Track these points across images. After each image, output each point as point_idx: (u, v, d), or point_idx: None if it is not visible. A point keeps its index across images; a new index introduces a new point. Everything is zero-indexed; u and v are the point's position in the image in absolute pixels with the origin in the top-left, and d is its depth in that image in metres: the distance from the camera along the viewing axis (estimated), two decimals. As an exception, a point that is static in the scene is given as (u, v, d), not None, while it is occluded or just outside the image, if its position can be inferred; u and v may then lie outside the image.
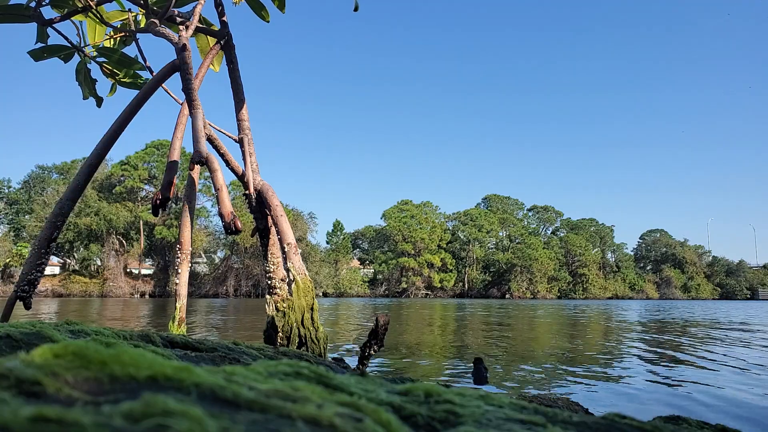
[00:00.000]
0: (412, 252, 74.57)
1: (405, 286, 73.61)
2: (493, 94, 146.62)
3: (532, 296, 73.44)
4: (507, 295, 73.28)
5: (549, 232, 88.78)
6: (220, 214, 2.37)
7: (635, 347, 7.18)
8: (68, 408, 0.42)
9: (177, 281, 3.70)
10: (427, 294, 74.04)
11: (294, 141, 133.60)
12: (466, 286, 76.84)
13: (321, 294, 64.96)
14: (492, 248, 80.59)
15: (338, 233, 77.89)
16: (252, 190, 3.60)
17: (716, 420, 1.32)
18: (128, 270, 59.84)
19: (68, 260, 59.48)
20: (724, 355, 6.31)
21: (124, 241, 58.32)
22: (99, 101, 4.00)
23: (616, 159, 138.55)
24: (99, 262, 57.89)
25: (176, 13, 3.37)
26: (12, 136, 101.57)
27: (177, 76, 3.12)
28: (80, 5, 3.34)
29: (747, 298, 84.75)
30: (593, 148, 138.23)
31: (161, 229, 55.90)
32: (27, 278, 2.74)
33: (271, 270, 3.50)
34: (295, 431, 0.46)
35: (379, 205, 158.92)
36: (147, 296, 54.22)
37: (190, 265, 3.73)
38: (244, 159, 3.66)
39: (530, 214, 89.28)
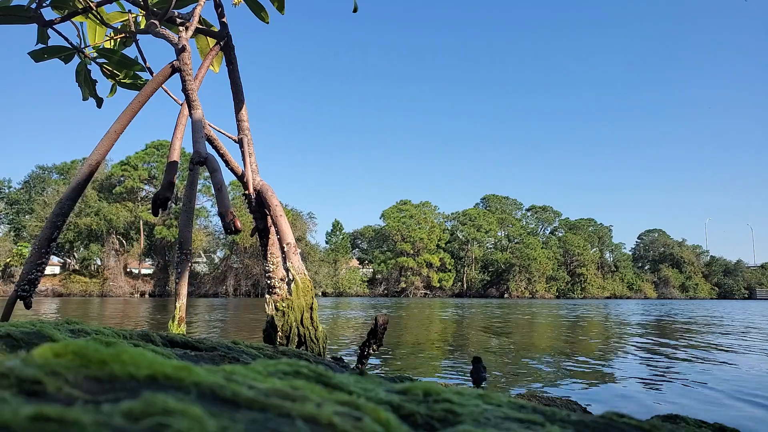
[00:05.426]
0: (411, 252, 74.53)
1: (404, 285, 73.58)
2: (492, 94, 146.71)
3: (530, 296, 73.44)
4: (505, 295, 73.27)
5: (547, 232, 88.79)
6: (220, 214, 2.37)
7: (633, 346, 7.18)
8: (68, 407, 0.42)
9: (177, 281, 3.70)
10: (426, 293, 74.00)
11: (293, 141, 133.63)
12: (465, 285, 76.81)
13: (320, 293, 64.94)
14: (491, 248, 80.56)
15: (337, 233, 77.86)
16: (251, 190, 3.60)
17: (714, 419, 1.33)
18: (128, 270, 59.81)
19: (68, 260, 59.44)
20: (722, 354, 6.32)
21: (124, 241, 58.29)
22: (99, 102, 3.99)
23: (615, 159, 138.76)
24: (99, 262, 57.85)
25: (176, 14, 3.37)
26: (12, 136, 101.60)
27: (177, 76, 3.12)
28: (81, 6, 3.34)
29: (745, 297, 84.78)
30: (592, 147, 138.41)
31: (161, 229, 55.87)
32: (27, 278, 2.74)
33: (271, 270, 3.50)
34: (295, 430, 0.46)
35: (378, 205, 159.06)
36: (147, 296, 54.19)
37: (189, 264, 3.73)
38: (244, 159, 3.66)
39: (529, 214, 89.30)
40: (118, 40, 3.83)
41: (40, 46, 3.50)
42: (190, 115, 2.93)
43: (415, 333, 9.03)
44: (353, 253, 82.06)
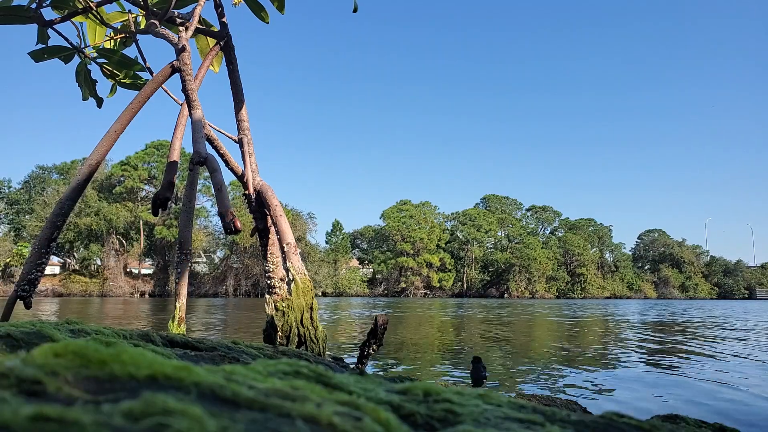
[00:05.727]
0: (411, 252, 74.51)
1: (404, 285, 73.56)
2: (492, 94, 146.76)
3: (530, 296, 73.44)
4: (505, 295, 73.26)
5: (547, 232, 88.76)
6: (220, 214, 2.37)
7: (633, 346, 7.19)
8: (68, 407, 0.42)
9: (177, 281, 3.70)
10: (425, 293, 73.97)
11: (293, 141, 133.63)
12: (465, 285, 76.78)
13: (320, 293, 64.93)
14: (491, 248, 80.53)
15: (337, 233, 77.82)
16: (251, 190, 3.60)
17: (714, 419, 1.33)
18: (128, 270, 59.79)
19: (68, 260, 59.42)
20: (722, 354, 6.32)
21: (124, 241, 58.28)
22: (99, 102, 3.99)
23: (615, 159, 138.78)
24: (99, 262, 57.84)
25: (176, 14, 3.37)
26: (12, 136, 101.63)
27: (177, 76, 3.12)
28: (81, 6, 3.34)
29: (745, 297, 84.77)
30: (592, 147, 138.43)
31: (161, 229, 55.87)
32: (27, 278, 2.74)
33: (271, 270, 3.50)
34: (295, 430, 0.46)
35: (378, 205, 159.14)
36: (147, 296, 54.19)
37: (189, 264, 3.73)
38: (244, 159, 3.67)
39: (529, 214, 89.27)
40: (118, 40, 3.83)
41: (40, 46, 3.50)
42: (190, 115, 2.93)
43: (415, 333, 9.03)
44: (353, 253, 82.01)
